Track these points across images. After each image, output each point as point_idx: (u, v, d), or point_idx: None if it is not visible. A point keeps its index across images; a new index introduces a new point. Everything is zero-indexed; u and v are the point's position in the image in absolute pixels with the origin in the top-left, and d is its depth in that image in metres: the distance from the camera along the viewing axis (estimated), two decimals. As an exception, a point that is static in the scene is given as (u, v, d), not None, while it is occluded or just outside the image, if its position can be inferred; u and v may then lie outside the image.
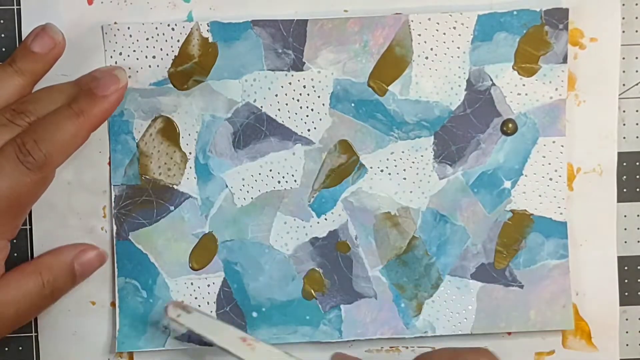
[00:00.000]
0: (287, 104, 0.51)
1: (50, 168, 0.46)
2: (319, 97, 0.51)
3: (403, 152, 0.51)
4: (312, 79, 0.51)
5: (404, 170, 0.51)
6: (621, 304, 0.52)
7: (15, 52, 0.48)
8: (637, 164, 0.52)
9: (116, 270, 0.51)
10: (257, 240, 0.51)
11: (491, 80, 0.51)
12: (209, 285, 0.51)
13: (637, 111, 0.52)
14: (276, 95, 0.51)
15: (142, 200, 0.51)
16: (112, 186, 0.51)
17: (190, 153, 0.51)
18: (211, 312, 0.51)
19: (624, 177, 0.52)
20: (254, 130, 0.51)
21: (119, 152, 0.51)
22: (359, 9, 0.51)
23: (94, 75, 0.49)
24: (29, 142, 0.45)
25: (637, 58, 0.52)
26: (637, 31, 0.52)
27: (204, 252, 0.51)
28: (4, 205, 0.45)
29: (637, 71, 0.52)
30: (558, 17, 0.50)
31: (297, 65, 0.51)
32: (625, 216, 0.52)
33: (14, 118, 0.46)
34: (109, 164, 0.51)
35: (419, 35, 0.51)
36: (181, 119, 0.51)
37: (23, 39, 0.50)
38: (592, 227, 0.52)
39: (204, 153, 0.51)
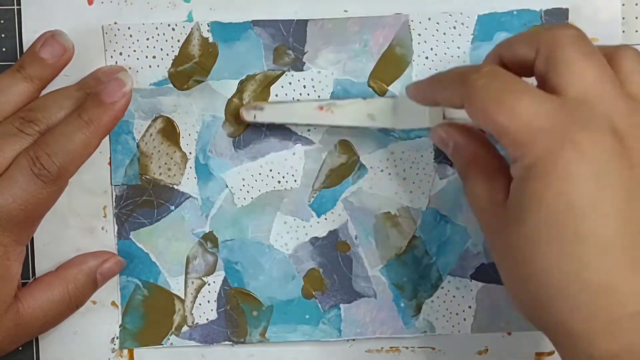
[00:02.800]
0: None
1: (64, 179, 0.46)
2: (319, 97, 0.51)
3: (403, 152, 0.51)
4: (312, 79, 0.51)
5: (404, 170, 0.51)
6: (622, 304, 0.52)
7: (23, 58, 0.48)
8: (638, 164, 0.52)
9: (117, 269, 0.51)
10: (257, 240, 0.51)
11: (491, 80, 0.51)
12: (209, 284, 0.51)
13: (638, 111, 0.52)
14: (276, 95, 0.51)
15: (143, 200, 0.51)
16: (112, 186, 0.51)
17: (190, 153, 0.51)
18: (212, 310, 0.51)
19: (625, 177, 0.52)
20: (254, 130, 0.51)
21: (119, 152, 0.51)
22: (359, 9, 0.51)
23: (97, 76, 0.49)
24: (43, 156, 0.45)
25: (638, 58, 0.52)
26: (637, 31, 0.52)
27: (204, 251, 0.52)
28: (21, 216, 0.45)
29: (638, 71, 0.52)
30: (558, 17, 0.50)
31: (297, 65, 0.51)
32: (625, 216, 0.52)
33: (24, 127, 0.46)
34: (109, 164, 0.51)
35: (419, 35, 0.51)
36: (181, 119, 0.51)
37: (23, 38, 0.50)
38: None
39: (204, 153, 0.51)
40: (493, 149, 0.45)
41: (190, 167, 0.51)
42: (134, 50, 0.50)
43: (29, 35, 0.50)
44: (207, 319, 0.52)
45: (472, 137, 0.46)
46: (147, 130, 0.51)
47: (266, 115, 0.50)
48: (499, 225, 0.41)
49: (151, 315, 0.52)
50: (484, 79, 0.41)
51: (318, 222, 0.51)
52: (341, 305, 0.52)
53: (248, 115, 0.50)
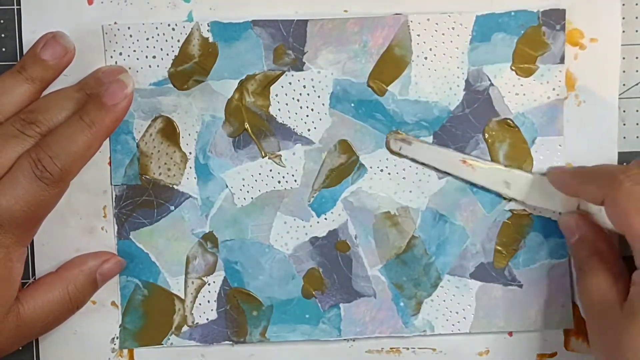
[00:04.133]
0: (287, 104, 0.51)
1: (66, 181, 0.46)
2: (318, 97, 0.51)
3: (402, 152, 0.51)
4: (312, 79, 0.51)
5: (404, 170, 0.51)
6: (621, 304, 0.52)
7: (25, 59, 0.48)
8: (637, 163, 0.52)
9: (117, 269, 0.51)
10: (257, 240, 0.51)
11: (489, 80, 0.51)
12: (209, 284, 0.51)
13: (637, 111, 0.52)
14: (276, 95, 0.51)
15: (143, 200, 0.51)
16: (112, 186, 0.51)
17: (190, 153, 0.51)
18: (212, 310, 0.52)
19: (624, 177, 0.52)
20: (254, 130, 0.51)
21: (119, 152, 0.51)
22: (359, 9, 0.51)
23: (97, 76, 0.49)
24: (45, 159, 0.45)
25: (637, 58, 0.52)
26: (637, 31, 0.52)
27: (204, 251, 0.52)
28: (23, 218, 0.45)
29: (637, 71, 0.52)
30: (555, 18, 0.50)
31: (297, 65, 0.51)
32: (624, 216, 0.52)
33: (25, 129, 0.46)
34: (109, 164, 0.51)
35: (418, 35, 0.51)
36: (181, 119, 0.51)
37: (23, 38, 0.50)
38: (591, 227, 0.52)
39: (204, 153, 0.51)
40: (616, 253, 0.47)
41: (190, 167, 0.51)
42: (134, 50, 0.51)
43: (29, 35, 0.50)
44: (207, 319, 0.52)
45: (600, 234, 0.48)
46: (147, 130, 0.51)
47: (411, 150, 0.51)
48: (610, 324, 0.43)
49: (151, 315, 0.52)
50: (631, 182, 0.42)
51: (318, 222, 0.51)
52: (341, 305, 0.52)
53: (394, 145, 0.51)
